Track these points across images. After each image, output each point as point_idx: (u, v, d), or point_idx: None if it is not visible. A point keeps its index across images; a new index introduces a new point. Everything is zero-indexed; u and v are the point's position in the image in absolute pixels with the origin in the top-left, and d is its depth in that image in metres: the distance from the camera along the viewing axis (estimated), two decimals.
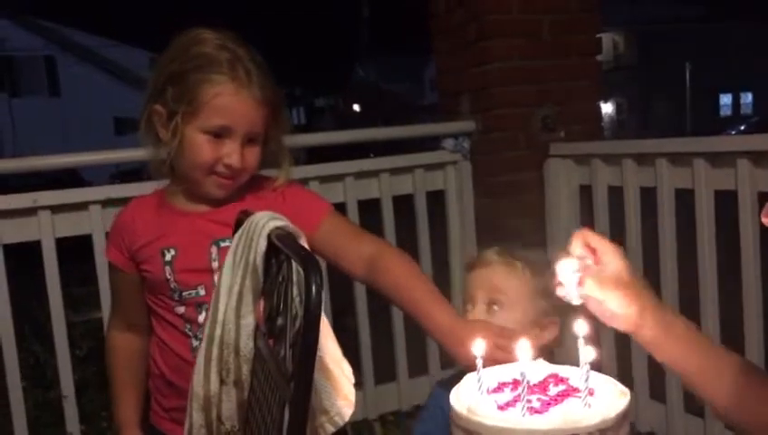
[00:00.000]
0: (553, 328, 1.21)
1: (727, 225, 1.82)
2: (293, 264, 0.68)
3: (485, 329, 1.07)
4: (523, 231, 2.42)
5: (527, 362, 0.77)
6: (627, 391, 0.76)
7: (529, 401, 0.73)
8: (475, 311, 1.20)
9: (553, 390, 0.78)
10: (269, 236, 0.80)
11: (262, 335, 0.79)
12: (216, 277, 1.20)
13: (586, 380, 0.73)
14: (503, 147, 2.41)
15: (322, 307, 0.64)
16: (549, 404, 0.74)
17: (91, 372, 2.39)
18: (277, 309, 0.73)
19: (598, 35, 2.52)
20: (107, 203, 1.99)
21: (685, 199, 1.93)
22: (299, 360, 0.61)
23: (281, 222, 0.83)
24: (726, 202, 1.83)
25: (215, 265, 1.23)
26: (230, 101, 1.17)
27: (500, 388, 0.78)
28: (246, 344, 0.79)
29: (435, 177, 2.45)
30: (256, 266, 0.80)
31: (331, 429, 0.81)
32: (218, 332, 0.80)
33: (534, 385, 0.79)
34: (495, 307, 1.18)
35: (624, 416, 0.71)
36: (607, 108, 30.39)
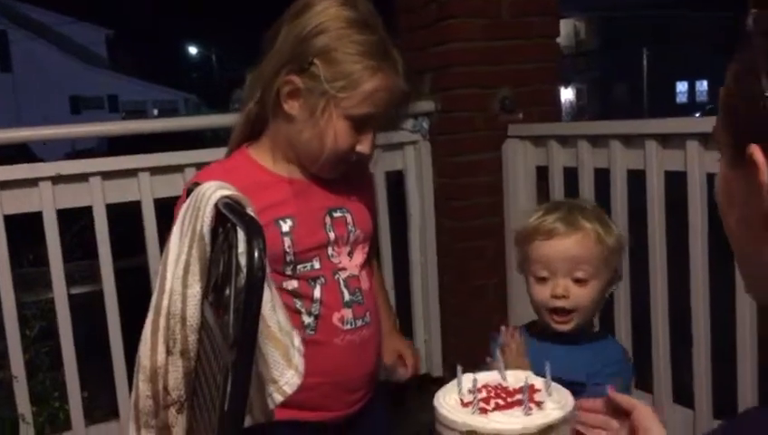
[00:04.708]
0: (618, 281, 1.32)
1: (677, 204, 1.86)
2: (239, 231, 0.68)
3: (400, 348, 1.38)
4: (481, 211, 2.45)
5: (509, 372, 0.96)
6: (569, 407, 0.87)
7: (487, 401, 0.88)
8: (558, 283, 1.22)
9: (516, 397, 0.89)
10: (216, 205, 0.79)
11: (209, 305, 0.79)
12: (330, 249, 1.20)
13: (525, 392, 0.87)
14: (462, 127, 2.43)
15: (266, 272, 0.64)
16: (498, 408, 0.87)
17: (42, 352, 2.35)
18: (223, 277, 0.73)
19: (558, 18, 2.54)
20: (57, 180, 1.94)
21: (638, 180, 1.97)
22: (241, 323, 0.61)
23: (228, 191, 0.83)
24: (676, 182, 1.88)
25: (331, 235, 1.21)
26: (385, 92, 1.15)
27: (480, 389, 0.91)
28: (193, 314, 0.78)
29: (394, 157, 2.45)
30: (203, 235, 0.79)
31: (280, 398, 0.81)
32: (165, 302, 0.80)
33: (506, 389, 0.92)
34: (581, 282, 1.22)
35: (550, 428, 0.83)
36: (568, 93, 30.79)
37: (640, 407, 0.89)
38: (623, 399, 0.91)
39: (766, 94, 0.56)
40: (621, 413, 0.91)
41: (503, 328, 1.26)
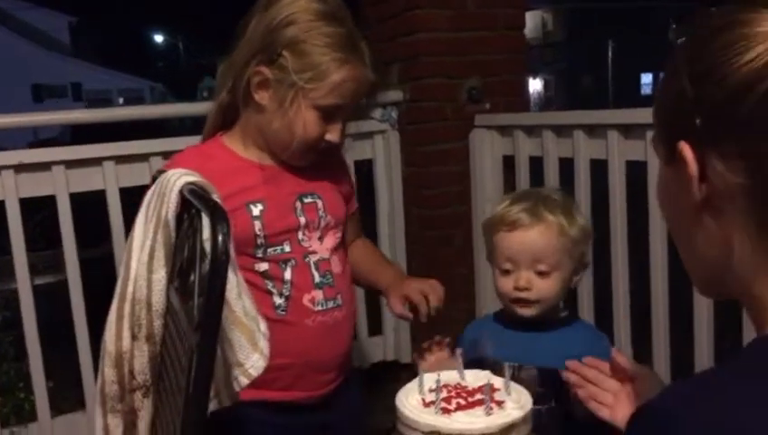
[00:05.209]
0: (585, 270, 1.33)
1: (638, 193, 1.91)
2: (204, 216, 0.69)
3: (407, 293, 1.33)
4: (449, 199, 2.48)
5: (467, 372, 1.00)
6: (528, 406, 0.90)
7: (449, 401, 0.90)
8: (521, 276, 1.23)
9: (477, 396, 0.92)
10: (181, 192, 0.80)
11: (174, 290, 0.80)
12: (300, 233, 1.23)
13: (486, 392, 0.90)
14: (430, 117, 2.45)
15: (231, 257, 0.65)
16: (460, 408, 0.89)
17: (6, 342, 2.31)
18: (188, 263, 0.74)
19: (523, 10, 2.57)
20: (20, 168, 1.91)
21: (601, 169, 2.01)
22: (205, 305, 0.62)
23: (193, 177, 0.83)
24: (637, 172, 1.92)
25: (301, 220, 1.24)
26: (353, 83, 1.19)
27: (440, 389, 0.93)
28: (158, 299, 0.79)
29: (363, 146, 2.46)
30: (168, 221, 0.80)
31: (246, 381, 0.83)
32: (130, 288, 0.80)
33: (466, 389, 0.94)
34: (543, 274, 1.23)
35: (511, 427, 0.86)
36: (536, 84, 31.06)
37: (646, 373, 0.92)
38: (625, 362, 0.93)
39: (688, 95, 0.60)
40: (624, 377, 0.93)
41: (423, 345, 1.26)
